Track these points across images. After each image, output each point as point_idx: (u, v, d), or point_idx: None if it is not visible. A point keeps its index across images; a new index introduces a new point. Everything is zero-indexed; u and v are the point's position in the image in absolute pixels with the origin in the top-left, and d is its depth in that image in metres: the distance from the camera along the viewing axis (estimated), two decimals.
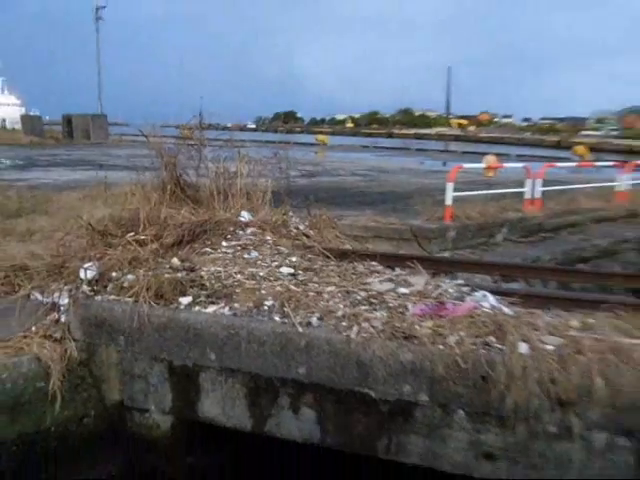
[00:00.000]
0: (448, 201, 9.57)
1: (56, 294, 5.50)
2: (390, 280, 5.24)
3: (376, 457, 4.52)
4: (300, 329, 4.53)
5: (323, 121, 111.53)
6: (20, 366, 4.88)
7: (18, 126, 46.93)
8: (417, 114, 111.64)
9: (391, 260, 6.12)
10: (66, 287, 5.55)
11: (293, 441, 4.75)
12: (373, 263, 5.86)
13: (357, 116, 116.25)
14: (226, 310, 4.99)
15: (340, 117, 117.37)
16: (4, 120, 52.36)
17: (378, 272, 5.55)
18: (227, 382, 4.89)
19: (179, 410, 5.19)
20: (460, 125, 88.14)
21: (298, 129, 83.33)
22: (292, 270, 5.70)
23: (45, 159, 22.74)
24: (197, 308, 5.11)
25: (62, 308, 5.38)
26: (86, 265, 5.68)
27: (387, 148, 46.03)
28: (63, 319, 5.33)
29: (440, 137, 71.78)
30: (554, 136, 67.19)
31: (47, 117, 51.52)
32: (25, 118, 48.86)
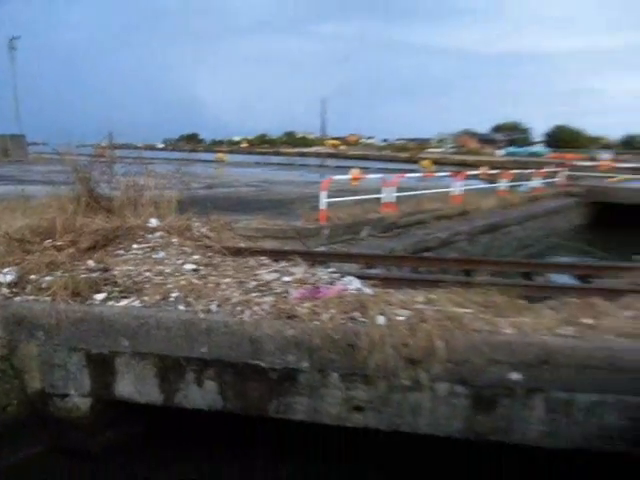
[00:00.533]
0: (322, 206, 9.71)
1: None
2: (276, 271, 5.24)
3: (269, 417, 4.52)
4: (201, 315, 4.44)
5: (222, 142, 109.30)
6: None
7: None
8: (299, 136, 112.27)
9: (277, 255, 6.11)
10: None
11: (199, 409, 4.66)
12: (262, 258, 5.84)
13: (250, 138, 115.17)
14: (137, 303, 4.80)
15: (236, 138, 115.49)
16: None
17: (266, 265, 5.54)
18: (139, 364, 4.70)
19: (97, 392, 4.92)
20: (333, 145, 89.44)
21: (201, 149, 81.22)
22: (194, 266, 5.56)
23: None
24: (111, 303, 4.88)
25: None
26: (4, 270, 5.25)
27: (275, 164, 45.86)
28: None
29: (317, 155, 72.44)
30: (406, 153, 69.70)
31: None
32: None
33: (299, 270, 5.20)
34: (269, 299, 4.57)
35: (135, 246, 6.35)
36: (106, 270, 5.51)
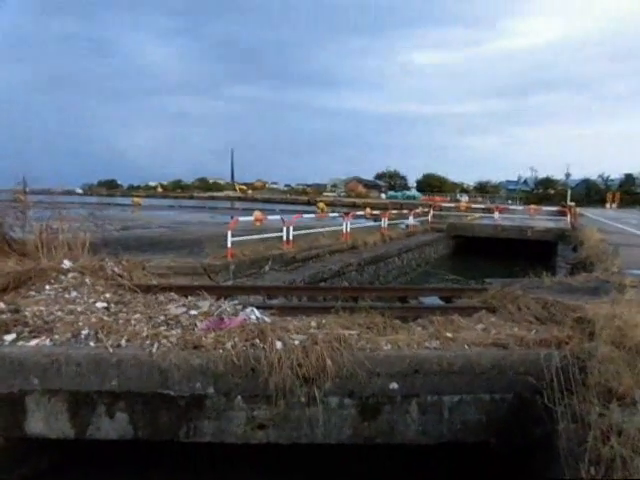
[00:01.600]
0: (229, 244, 9.53)
1: None
2: (184, 305, 5.03)
3: (179, 441, 4.28)
4: (111, 350, 4.16)
5: (139, 187, 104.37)
6: None
7: None
8: (211, 181, 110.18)
9: (185, 290, 5.87)
10: None
11: (111, 440, 4.31)
12: (172, 294, 5.57)
13: (165, 183, 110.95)
14: (47, 342, 4.40)
15: (152, 184, 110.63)
16: None
17: (175, 300, 5.29)
18: (50, 401, 4.27)
19: (6, 431, 4.40)
20: (241, 189, 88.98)
21: (118, 193, 77.66)
22: (106, 304, 5.21)
23: None
24: (21, 343, 4.43)
25: None
26: None
27: (188, 207, 44.33)
28: None
29: (227, 198, 71.62)
30: (305, 196, 71.15)
31: None
32: None
33: (205, 304, 5.04)
34: (177, 332, 4.38)
35: (48, 287, 5.87)
36: (17, 311, 5.02)
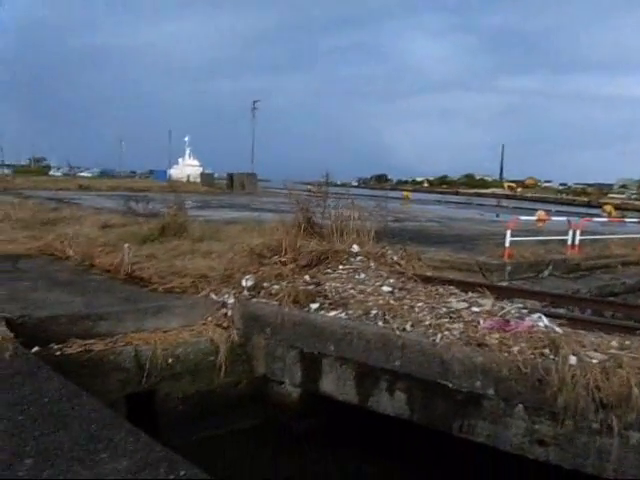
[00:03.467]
0: (507, 243, 9.10)
1: (225, 295, 5.74)
2: (464, 301, 5.01)
3: (450, 434, 4.33)
4: (397, 332, 4.46)
5: (407, 182, 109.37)
6: (199, 344, 5.13)
7: (197, 180, 49.98)
8: (477, 178, 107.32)
9: (464, 286, 5.83)
10: (232, 291, 5.77)
11: (387, 415, 4.65)
12: (451, 287, 5.62)
13: (431, 178, 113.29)
14: (343, 315, 5.01)
15: (419, 179, 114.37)
16: (189, 176, 55.57)
17: (455, 294, 5.32)
18: (341, 367, 4.88)
19: (305, 384, 5.22)
20: (510, 187, 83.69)
21: (388, 187, 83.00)
22: (390, 289, 5.60)
23: (215, 202, 23.70)
24: (322, 312, 5.17)
25: (229, 306, 5.60)
26: (246, 277, 5.90)
27: (454, 202, 44.15)
28: (229, 313, 5.54)
29: (494, 195, 68.37)
30: (585, 197, 62.61)
31: (216, 174, 53.93)
32: (202, 175, 52.15)
33: (487, 302, 4.92)
34: (459, 326, 4.41)
35: (340, 267, 6.63)
36: (318, 284, 5.85)
